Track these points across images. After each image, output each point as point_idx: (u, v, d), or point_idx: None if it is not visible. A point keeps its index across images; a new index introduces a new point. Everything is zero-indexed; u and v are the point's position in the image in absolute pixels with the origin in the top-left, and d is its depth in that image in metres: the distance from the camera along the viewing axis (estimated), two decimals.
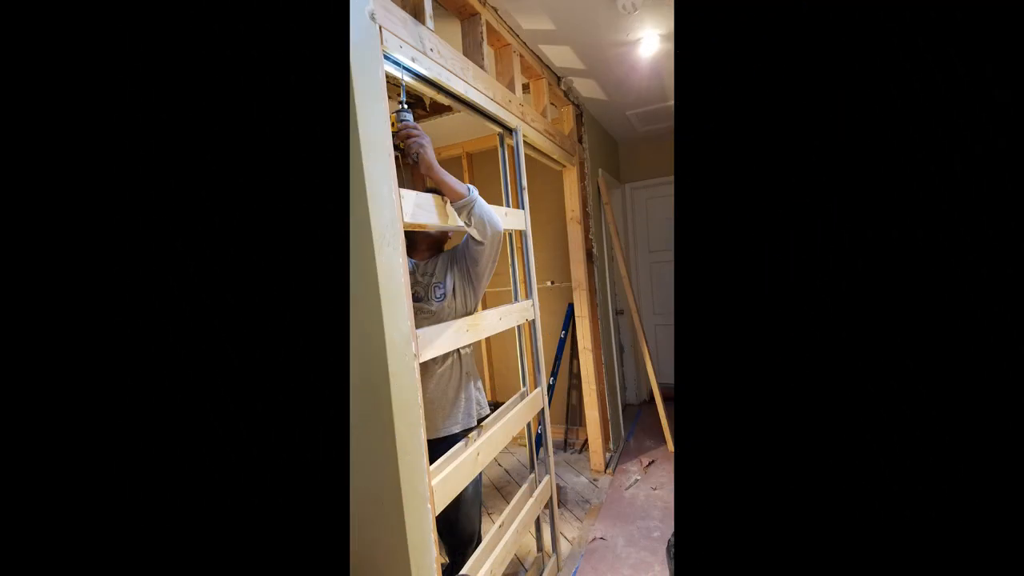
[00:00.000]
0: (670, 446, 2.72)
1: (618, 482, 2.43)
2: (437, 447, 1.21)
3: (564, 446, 2.94)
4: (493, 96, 1.43)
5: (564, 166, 2.34)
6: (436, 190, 1.18)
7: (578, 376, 2.71)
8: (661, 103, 2.65)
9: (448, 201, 1.16)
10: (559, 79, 2.20)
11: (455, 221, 1.17)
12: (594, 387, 2.49)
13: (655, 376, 2.76)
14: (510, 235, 1.62)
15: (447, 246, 1.47)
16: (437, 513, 0.98)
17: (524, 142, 1.69)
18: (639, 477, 2.46)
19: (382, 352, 0.84)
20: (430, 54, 1.11)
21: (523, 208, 1.63)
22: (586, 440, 2.67)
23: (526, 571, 1.82)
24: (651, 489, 2.32)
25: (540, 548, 1.76)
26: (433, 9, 1.18)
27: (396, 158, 0.94)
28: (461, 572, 1.22)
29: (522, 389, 1.64)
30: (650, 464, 2.58)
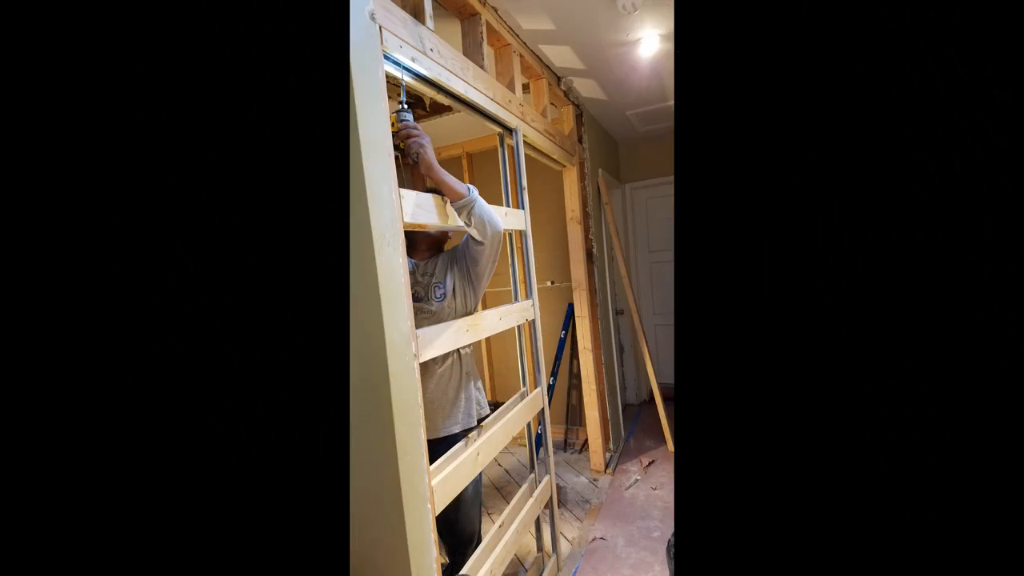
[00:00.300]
0: (670, 446, 2.71)
1: (618, 482, 2.43)
2: (437, 447, 1.21)
3: (564, 446, 2.94)
4: (493, 96, 1.43)
5: (564, 166, 2.34)
6: (436, 190, 1.18)
7: (578, 376, 2.71)
8: (661, 103, 2.65)
9: (448, 201, 1.16)
10: (559, 79, 2.20)
11: (455, 221, 1.17)
12: (594, 387, 2.49)
13: (655, 376, 2.76)
14: (510, 235, 1.62)
15: (447, 246, 1.47)
16: (437, 513, 0.98)
17: (524, 142, 1.69)
18: (639, 477, 2.46)
19: (382, 352, 0.84)
20: (430, 54, 1.11)
21: (523, 208, 1.63)
22: (586, 440, 2.67)
23: (526, 571, 1.82)
24: (651, 489, 2.32)
25: (540, 548, 1.76)
26: (433, 9, 1.18)
27: (396, 158, 0.94)
28: (461, 572, 1.22)
29: (522, 389, 1.64)
30: (650, 464, 2.58)
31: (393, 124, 1.04)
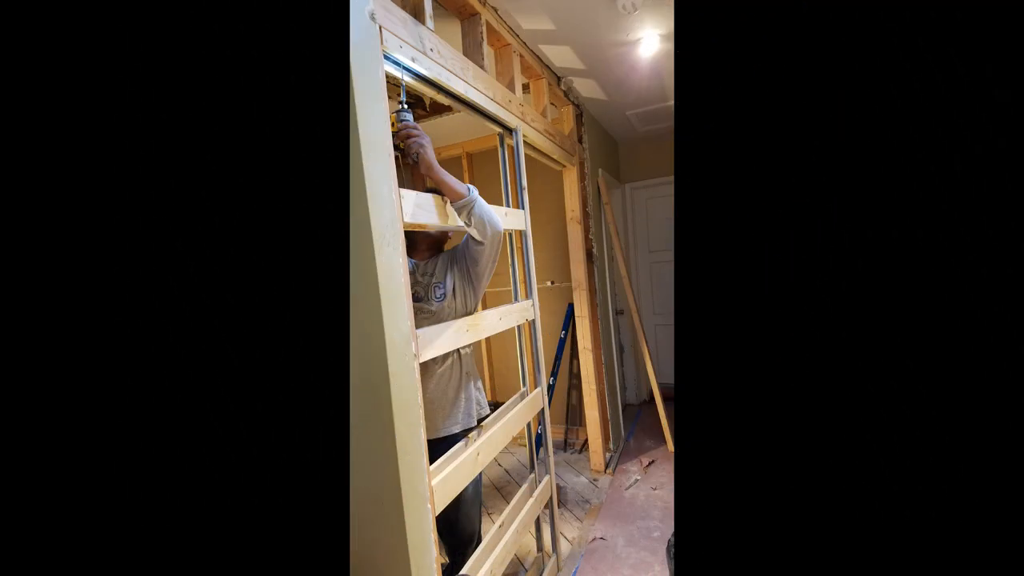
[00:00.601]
0: (670, 446, 2.71)
1: (618, 482, 2.43)
2: (437, 447, 1.21)
3: (564, 446, 2.94)
4: (493, 96, 1.43)
5: (564, 166, 2.34)
6: (436, 190, 1.18)
7: (578, 376, 2.71)
8: (661, 103, 2.65)
9: (448, 201, 1.16)
10: (559, 79, 2.20)
11: (455, 221, 1.17)
12: (594, 387, 2.49)
13: (655, 376, 2.76)
14: (510, 235, 1.62)
15: (447, 246, 1.47)
16: (437, 513, 0.98)
17: (524, 142, 1.69)
18: (639, 477, 2.46)
19: (382, 352, 0.84)
20: (430, 54, 1.11)
21: (523, 208, 1.63)
22: (586, 440, 2.67)
23: (526, 571, 1.82)
24: (651, 489, 2.32)
25: (540, 548, 1.76)
26: (433, 9, 1.18)
27: (396, 158, 0.94)
28: (461, 572, 1.22)
29: (522, 389, 1.64)
30: (650, 464, 2.58)
31: (393, 124, 1.04)
